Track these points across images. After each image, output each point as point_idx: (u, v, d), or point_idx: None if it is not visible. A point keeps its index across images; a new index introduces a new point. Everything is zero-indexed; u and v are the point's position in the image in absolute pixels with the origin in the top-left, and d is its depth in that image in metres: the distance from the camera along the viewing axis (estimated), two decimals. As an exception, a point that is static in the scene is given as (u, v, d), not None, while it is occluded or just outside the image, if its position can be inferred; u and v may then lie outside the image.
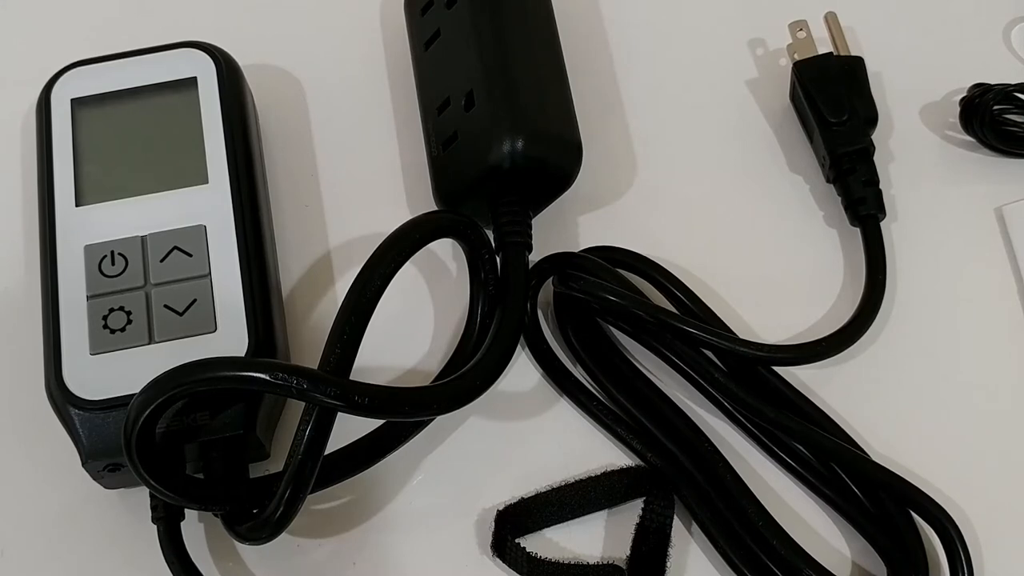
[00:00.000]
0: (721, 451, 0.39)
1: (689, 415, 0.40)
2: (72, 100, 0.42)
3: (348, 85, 0.47)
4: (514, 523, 0.38)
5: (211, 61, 0.43)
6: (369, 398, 0.34)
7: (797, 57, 0.44)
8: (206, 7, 0.49)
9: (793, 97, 0.45)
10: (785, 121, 0.46)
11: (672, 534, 0.38)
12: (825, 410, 0.40)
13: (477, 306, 0.40)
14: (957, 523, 0.37)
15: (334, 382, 0.34)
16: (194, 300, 0.39)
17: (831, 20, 0.45)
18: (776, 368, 0.40)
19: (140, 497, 0.38)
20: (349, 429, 0.38)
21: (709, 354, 0.40)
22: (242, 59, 0.44)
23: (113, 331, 0.38)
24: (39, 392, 0.38)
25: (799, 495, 0.39)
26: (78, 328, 0.38)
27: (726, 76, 0.47)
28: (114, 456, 0.37)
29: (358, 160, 0.45)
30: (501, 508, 0.39)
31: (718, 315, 0.41)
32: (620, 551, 0.38)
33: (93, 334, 0.38)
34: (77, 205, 0.40)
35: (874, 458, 0.39)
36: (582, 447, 0.40)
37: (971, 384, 0.41)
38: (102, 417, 0.37)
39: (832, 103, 0.43)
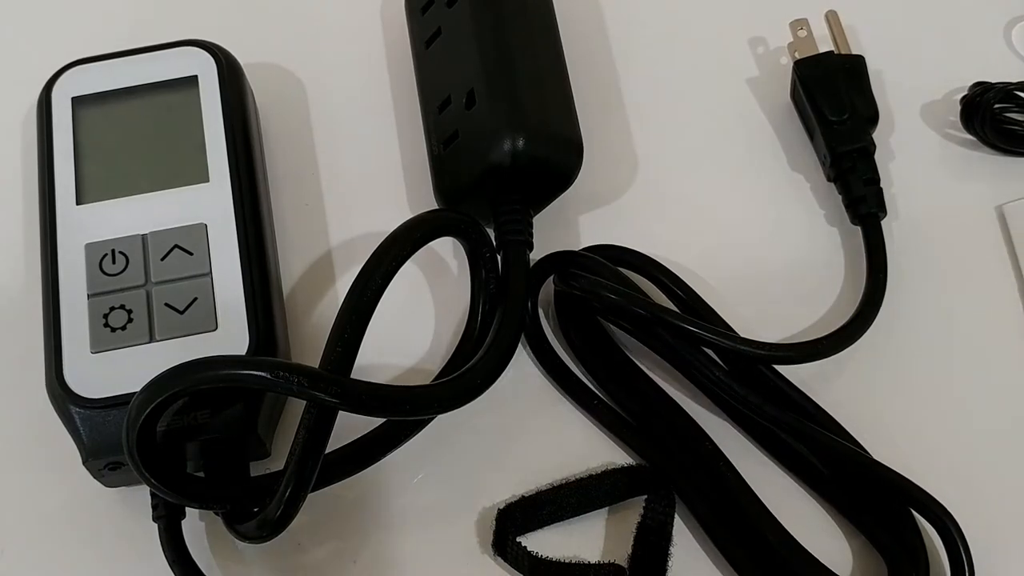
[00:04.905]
0: (722, 450, 0.39)
1: (690, 414, 0.40)
2: (73, 98, 0.42)
3: (349, 83, 0.47)
4: (515, 521, 0.38)
5: (212, 59, 0.43)
6: (370, 397, 0.34)
7: (798, 55, 0.44)
8: (207, 6, 0.49)
9: (794, 95, 0.45)
10: (786, 120, 0.46)
11: (673, 533, 0.38)
12: (826, 408, 0.40)
13: (478, 305, 0.40)
14: (958, 521, 0.37)
15: (335, 381, 0.34)
16: (195, 298, 0.39)
17: (832, 18, 0.45)
18: (777, 367, 0.40)
19: (141, 496, 0.38)
20: (349, 428, 0.38)
21: (710, 353, 0.40)
22: (243, 58, 0.44)
23: (114, 329, 0.38)
24: (40, 390, 0.38)
25: (800, 494, 0.39)
26: (79, 326, 0.38)
27: (727, 74, 0.47)
28: (115, 454, 0.37)
29: (359, 158, 0.45)
30: (502, 507, 0.39)
31: (719, 313, 0.41)
32: (621, 550, 0.38)
33: (94, 332, 0.38)
34: (78, 203, 0.40)
35: (875, 457, 0.39)
36: (583, 446, 0.40)
37: (971, 383, 0.41)
38: (103, 415, 0.37)
39: (833, 101, 0.43)
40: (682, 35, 0.48)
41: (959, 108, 0.45)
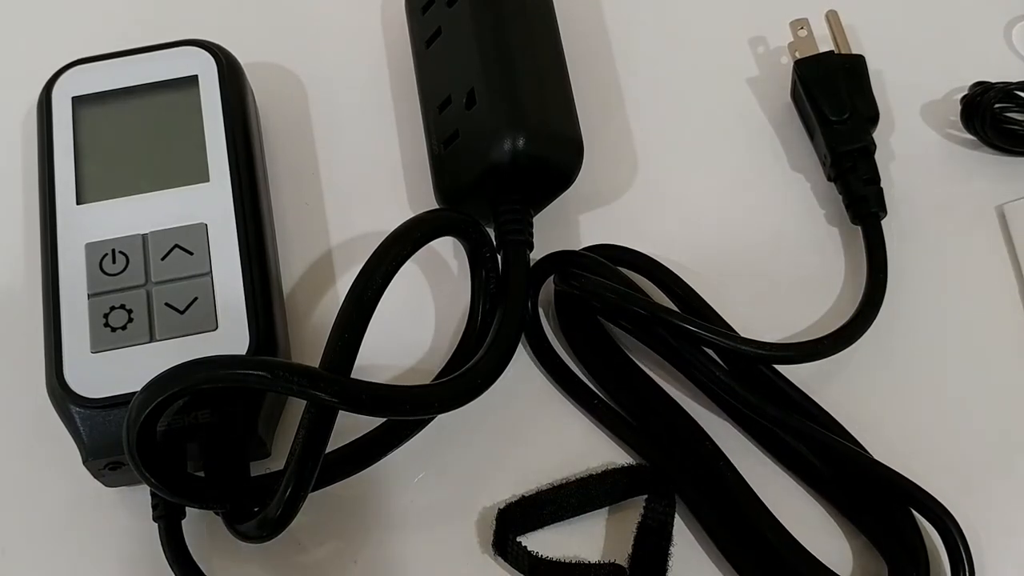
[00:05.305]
0: (722, 450, 0.39)
1: (690, 413, 0.40)
2: (73, 98, 0.42)
3: (349, 83, 0.47)
4: (515, 521, 0.38)
5: (212, 59, 0.43)
6: (370, 396, 0.34)
7: (798, 55, 0.44)
8: (207, 6, 0.49)
9: (794, 95, 0.45)
10: (786, 119, 0.46)
11: (674, 532, 0.38)
12: (826, 408, 0.40)
13: (478, 304, 0.40)
14: (958, 521, 0.37)
15: (335, 380, 0.34)
16: (195, 298, 0.39)
17: (832, 18, 0.45)
18: (777, 367, 0.40)
19: (141, 495, 0.38)
20: (350, 428, 0.38)
21: (710, 353, 0.40)
22: (243, 57, 0.44)
23: (114, 329, 0.38)
24: (40, 390, 0.38)
25: (800, 493, 0.39)
26: (79, 326, 0.38)
27: (727, 74, 0.47)
28: (115, 454, 0.37)
29: (359, 158, 0.45)
30: (502, 506, 0.39)
31: (719, 313, 0.41)
32: (622, 550, 0.38)
33: (94, 332, 0.38)
34: (78, 203, 0.40)
35: (875, 456, 0.39)
36: (583, 445, 0.40)
37: (971, 383, 0.41)
38: (103, 415, 0.37)
39: (833, 101, 0.43)
40: (682, 35, 0.48)
41: (959, 108, 0.45)
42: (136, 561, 0.39)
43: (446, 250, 0.43)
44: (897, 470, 0.38)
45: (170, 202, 0.40)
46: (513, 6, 0.43)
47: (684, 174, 0.45)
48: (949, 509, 0.37)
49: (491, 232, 0.41)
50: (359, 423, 0.38)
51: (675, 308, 0.41)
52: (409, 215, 0.39)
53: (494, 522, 0.39)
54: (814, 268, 0.43)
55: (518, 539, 0.38)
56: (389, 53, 0.48)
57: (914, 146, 0.45)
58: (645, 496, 0.39)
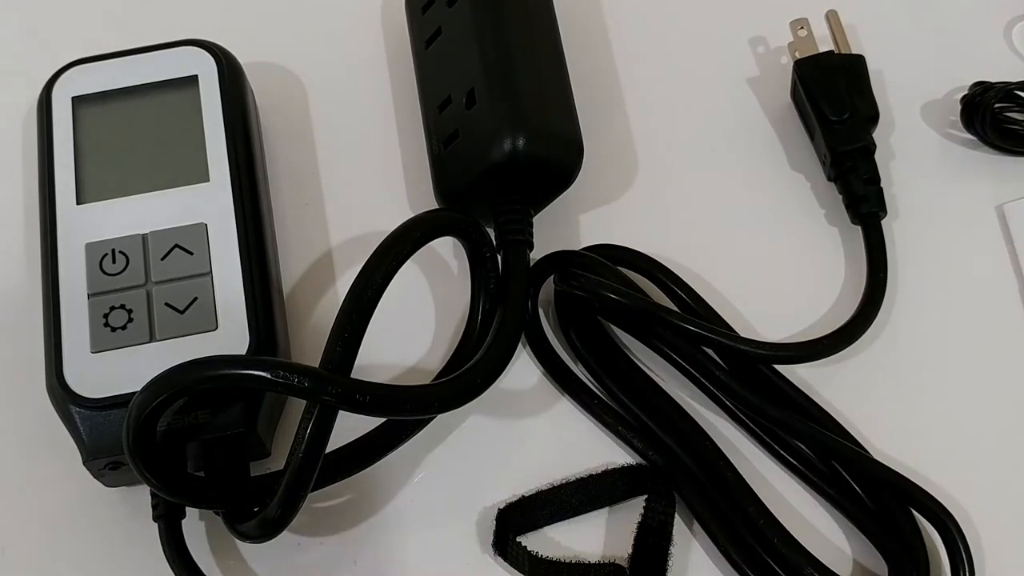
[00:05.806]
0: (722, 449, 0.39)
1: (690, 413, 0.40)
2: (73, 98, 0.42)
3: (349, 83, 0.47)
4: (515, 521, 0.38)
5: (212, 59, 0.43)
6: (370, 396, 0.34)
7: (798, 55, 0.44)
8: (207, 6, 0.49)
9: (794, 95, 0.45)
10: (786, 119, 0.46)
11: (674, 532, 0.38)
12: (826, 408, 0.40)
13: (478, 304, 0.40)
14: (958, 521, 0.37)
15: (335, 380, 0.34)
16: (195, 298, 0.39)
17: (832, 18, 0.45)
18: (777, 366, 0.40)
19: (141, 495, 0.38)
20: (350, 427, 0.38)
21: (710, 352, 0.40)
22: (243, 57, 0.44)
23: (114, 329, 0.38)
24: (40, 390, 0.38)
25: (800, 493, 0.39)
26: (79, 326, 0.38)
27: (727, 74, 0.47)
28: (115, 454, 0.37)
29: (359, 158, 0.45)
30: (502, 506, 0.39)
31: (719, 313, 0.41)
32: (622, 549, 0.38)
33: (94, 332, 0.38)
34: (78, 203, 0.40)
35: (875, 456, 0.39)
36: (583, 445, 0.40)
37: (971, 382, 0.41)
38: (103, 415, 0.37)
39: (833, 101, 0.43)
40: (682, 34, 0.48)
41: (959, 108, 0.45)
42: (136, 561, 0.39)
43: (446, 250, 0.43)
44: (897, 470, 0.38)
45: (170, 202, 0.40)
46: (513, 6, 0.43)
47: (684, 174, 0.45)
48: (949, 509, 0.37)
49: (491, 232, 0.41)
50: (359, 423, 0.37)
51: (675, 308, 0.41)
52: (409, 215, 0.39)
53: (494, 522, 0.39)
54: (814, 268, 0.43)
55: (518, 539, 0.38)
56: (389, 53, 0.48)
57: (914, 146, 0.45)
58: (645, 496, 0.39)
